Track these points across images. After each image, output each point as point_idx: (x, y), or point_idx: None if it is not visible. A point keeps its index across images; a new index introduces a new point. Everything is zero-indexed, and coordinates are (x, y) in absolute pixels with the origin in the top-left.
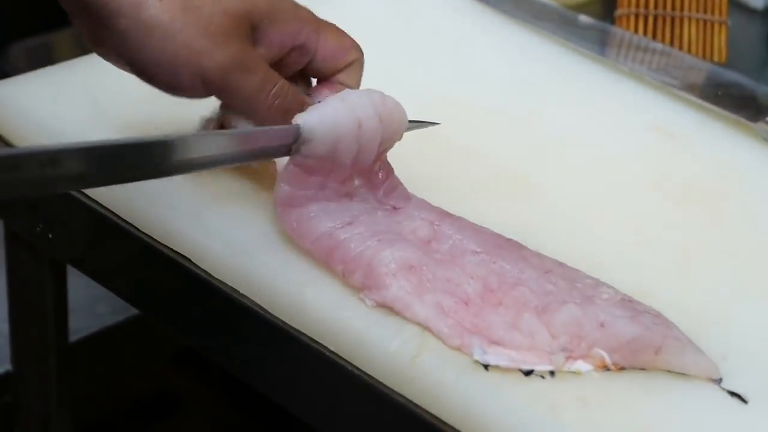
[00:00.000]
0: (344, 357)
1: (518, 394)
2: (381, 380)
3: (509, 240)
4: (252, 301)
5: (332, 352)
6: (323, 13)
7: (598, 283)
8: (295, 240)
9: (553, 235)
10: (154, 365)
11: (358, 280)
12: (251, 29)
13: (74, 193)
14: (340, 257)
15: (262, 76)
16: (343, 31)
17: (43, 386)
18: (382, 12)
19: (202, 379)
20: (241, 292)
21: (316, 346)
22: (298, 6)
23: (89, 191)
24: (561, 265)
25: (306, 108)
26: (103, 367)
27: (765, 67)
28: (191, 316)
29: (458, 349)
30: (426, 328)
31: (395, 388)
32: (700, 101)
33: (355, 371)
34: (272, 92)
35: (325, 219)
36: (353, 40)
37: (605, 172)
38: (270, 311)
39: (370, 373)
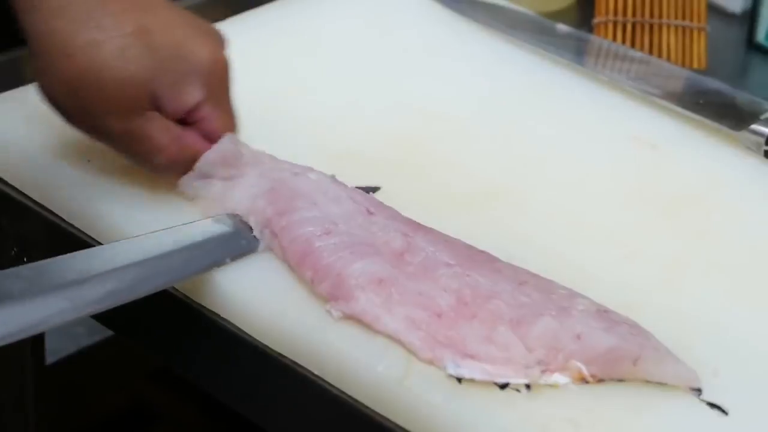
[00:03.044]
0: (329, 381)
1: (509, 416)
2: (367, 404)
3: (482, 252)
4: (233, 324)
5: (316, 376)
6: (299, 24)
7: (573, 294)
8: (276, 231)
9: (537, 251)
10: (131, 381)
11: (325, 289)
12: (150, 97)
13: (47, 215)
14: (310, 264)
15: (154, 144)
16: (232, 116)
17: (20, 409)
18: (356, 23)
19: (177, 392)
20: (221, 315)
21: (299, 369)
22: (207, 76)
23: (64, 213)
24: (535, 276)
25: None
26: (80, 386)
27: (745, 73)
28: (169, 339)
29: (430, 362)
30: (397, 340)
31: (382, 412)
32: (681, 110)
33: (341, 395)
34: (163, 158)
35: (306, 223)
36: (232, 130)
37: (587, 185)
38: (251, 334)
39: (355, 396)
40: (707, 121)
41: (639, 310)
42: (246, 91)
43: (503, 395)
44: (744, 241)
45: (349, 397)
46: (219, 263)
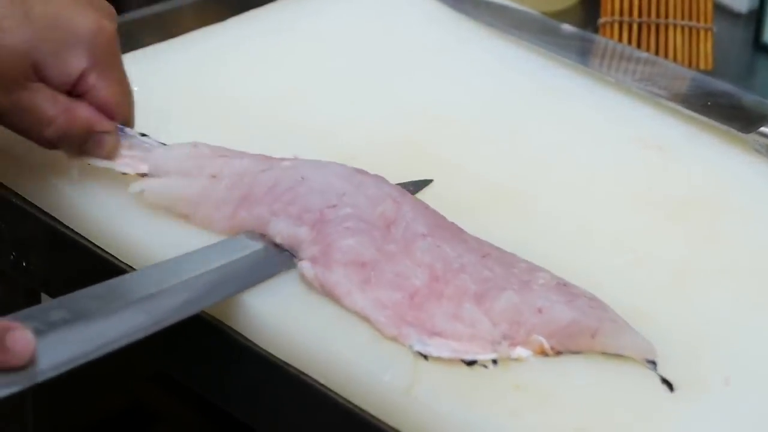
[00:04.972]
0: (335, 390)
1: (517, 426)
2: (374, 413)
3: (451, 222)
4: (238, 333)
5: (322, 385)
6: (301, 27)
7: (533, 268)
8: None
9: (543, 254)
10: (130, 383)
11: (312, 252)
12: (33, 67)
13: (48, 219)
14: (312, 223)
15: (42, 116)
16: (124, 86)
17: (18, 415)
18: (359, 26)
19: (177, 394)
20: (225, 323)
21: (305, 378)
22: (90, 44)
23: (63, 217)
24: (497, 249)
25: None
26: (78, 389)
27: (751, 73)
28: (171, 346)
29: (395, 339)
30: (364, 318)
31: (388, 421)
32: (688, 112)
33: (346, 404)
34: (53, 130)
35: (319, 198)
36: (126, 103)
37: (594, 188)
38: (257, 343)
39: (362, 406)
40: (715, 123)
41: (648, 316)
42: (248, 93)
43: (510, 405)
44: (753, 245)
45: (355, 406)
46: (272, 275)
